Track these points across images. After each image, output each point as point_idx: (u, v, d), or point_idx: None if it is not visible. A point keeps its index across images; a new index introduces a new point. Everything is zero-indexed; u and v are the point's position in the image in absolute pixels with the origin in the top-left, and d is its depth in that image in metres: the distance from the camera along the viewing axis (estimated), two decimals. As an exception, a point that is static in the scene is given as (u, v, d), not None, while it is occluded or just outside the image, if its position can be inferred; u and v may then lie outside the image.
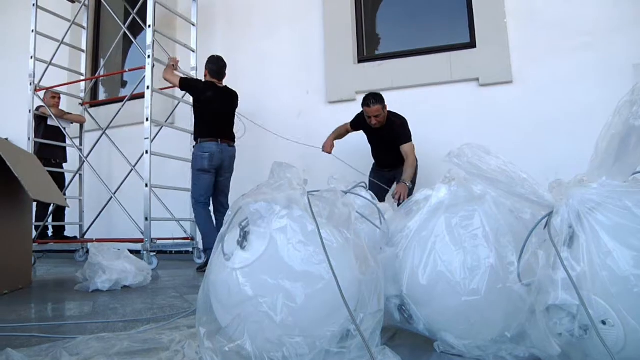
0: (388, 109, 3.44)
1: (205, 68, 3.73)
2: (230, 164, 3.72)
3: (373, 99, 3.37)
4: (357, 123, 3.63)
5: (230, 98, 3.77)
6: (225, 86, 3.78)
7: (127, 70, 5.18)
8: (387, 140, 3.47)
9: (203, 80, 3.77)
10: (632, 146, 0.84)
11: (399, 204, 3.25)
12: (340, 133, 3.75)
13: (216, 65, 3.72)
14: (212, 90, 3.64)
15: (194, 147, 3.73)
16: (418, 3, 4.46)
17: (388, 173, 3.58)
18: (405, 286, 1.09)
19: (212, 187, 3.64)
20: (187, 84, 3.73)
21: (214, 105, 3.63)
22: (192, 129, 3.91)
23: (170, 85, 3.95)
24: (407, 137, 3.41)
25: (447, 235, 1.06)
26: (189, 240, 4.31)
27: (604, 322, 0.80)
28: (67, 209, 4.59)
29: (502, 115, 3.81)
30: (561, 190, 0.93)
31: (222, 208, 3.70)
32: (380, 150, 3.60)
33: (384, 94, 3.52)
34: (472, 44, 4.05)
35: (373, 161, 3.71)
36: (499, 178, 0.94)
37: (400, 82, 4.13)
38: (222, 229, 1.04)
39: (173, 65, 3.91)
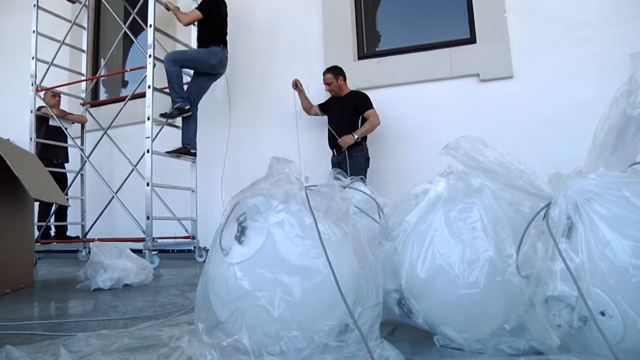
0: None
1: None
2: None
3: (327, 69, 4.00)
4: (324, 102, 4.13)
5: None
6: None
7: (127, 69, 5.19)
8: (346, 105, 3.88)
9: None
10: (630, 136, 0.84)
11: (340, 151, 3.77)
12: (308, 103, 4.18)
13: None
14: (224, 6, 4.37)
15: (207, 46, 4.22)
16: (418, -1, 4.45)
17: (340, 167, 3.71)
18: (404, 280, 1.09)
19: None
20: (206, 7, 4.22)
21: (225, 21, 4.36)
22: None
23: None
24: (368, 104, 3.80)
25: (445, 228, 1.05)
26: (190, 239, 4.31)
27: (602, 313, 0.79)
28: (69, 209, 4.60)
29: (502, 110, 3.79)
30: (559, 182, 0.93)
31: (195, 108, 4.29)
32: (336, 119, 3.93)
33: (385, 91, 3.50)
34: (472, 40, 4.03)
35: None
36: (497, 169, 0.93)
37: (400, 79, 4.12)
38: (220, 224, 1.04)
39: (177, 9, 4.34)
